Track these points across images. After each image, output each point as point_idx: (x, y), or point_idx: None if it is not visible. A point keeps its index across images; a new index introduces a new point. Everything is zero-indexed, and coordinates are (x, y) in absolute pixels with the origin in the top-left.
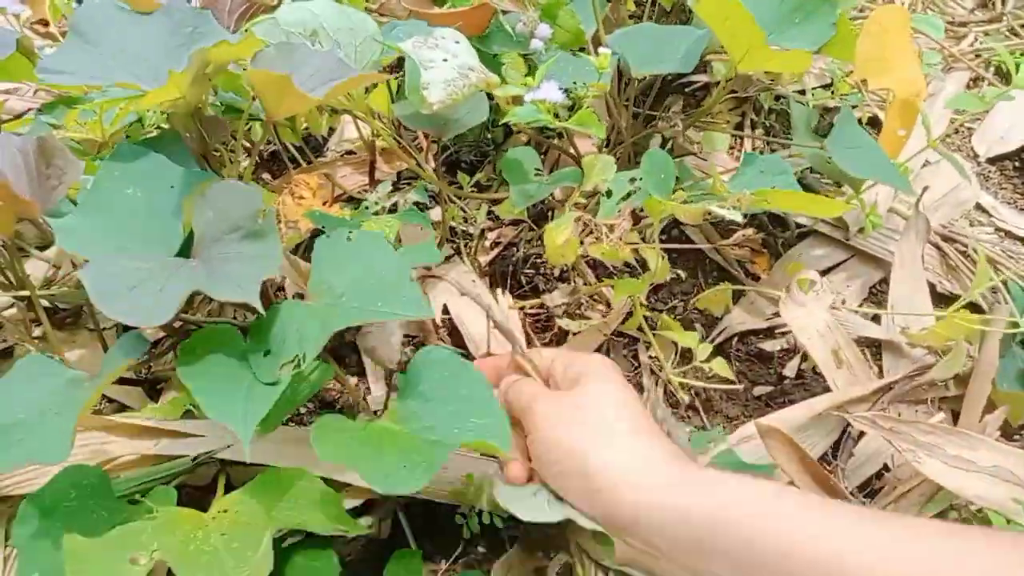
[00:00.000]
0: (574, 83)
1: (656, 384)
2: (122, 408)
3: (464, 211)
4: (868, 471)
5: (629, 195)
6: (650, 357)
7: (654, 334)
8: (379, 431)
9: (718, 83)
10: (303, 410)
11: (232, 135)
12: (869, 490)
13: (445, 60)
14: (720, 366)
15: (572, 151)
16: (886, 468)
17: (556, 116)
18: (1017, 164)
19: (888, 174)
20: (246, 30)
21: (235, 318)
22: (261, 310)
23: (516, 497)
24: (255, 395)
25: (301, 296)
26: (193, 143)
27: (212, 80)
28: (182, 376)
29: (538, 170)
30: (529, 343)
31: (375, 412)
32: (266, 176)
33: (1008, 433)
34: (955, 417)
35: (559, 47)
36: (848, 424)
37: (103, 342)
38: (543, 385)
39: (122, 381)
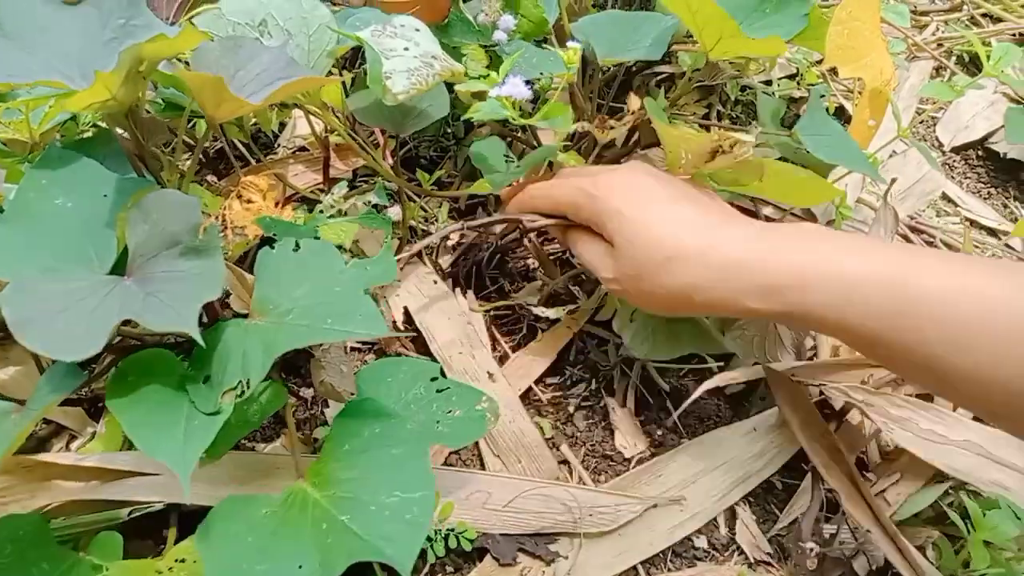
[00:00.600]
0: (540, 75)
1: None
2: (60, 429)
3: (424, 210)
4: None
5: None
6: None
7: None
8: (293, 504)
9: (683, 73)
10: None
11: (173, 132)
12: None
13: (407, 49)
14: None
15: (535, 144)
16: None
17: (521, 111)
18: (980, 153)
19: (859, 162)
20: (187, 20)
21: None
22: (201, 341)
23: None
24: (194, 428)
25: (246, 314)
26: (130, 144)
27: (147, 78)
28: (113, 409)
29: (507, 156)
30: (495, 344)
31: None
32: (211, 178)
33: None
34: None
35: (522, 36)
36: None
37: (37, 361)
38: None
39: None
